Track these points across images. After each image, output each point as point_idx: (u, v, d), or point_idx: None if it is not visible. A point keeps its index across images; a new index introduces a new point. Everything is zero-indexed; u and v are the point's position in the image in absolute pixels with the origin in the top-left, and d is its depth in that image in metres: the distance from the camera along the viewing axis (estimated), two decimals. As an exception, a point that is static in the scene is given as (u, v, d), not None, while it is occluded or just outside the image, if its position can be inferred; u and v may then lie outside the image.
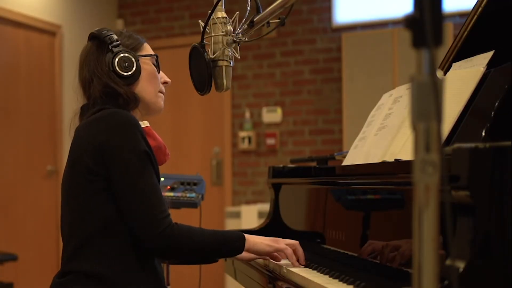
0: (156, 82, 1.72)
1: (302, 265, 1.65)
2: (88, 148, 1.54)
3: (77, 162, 1.57)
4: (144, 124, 1.68)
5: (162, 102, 1.75)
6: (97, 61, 1.65)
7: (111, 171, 1.52)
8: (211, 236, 1.59)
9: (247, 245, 1.63)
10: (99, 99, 1.62)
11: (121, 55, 1.64)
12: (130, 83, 1.65)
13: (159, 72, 1.74)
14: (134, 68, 1.64)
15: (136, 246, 1.55)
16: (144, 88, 1.68)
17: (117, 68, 1.63)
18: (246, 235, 1.64)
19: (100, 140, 1.53)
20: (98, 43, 1.67)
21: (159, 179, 1.58)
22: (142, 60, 1.68)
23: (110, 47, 1.64)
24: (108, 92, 1.62)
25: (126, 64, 1.64)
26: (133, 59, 1.65)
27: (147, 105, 1.70)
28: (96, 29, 1.70)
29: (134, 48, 1.69)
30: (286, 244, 1.67)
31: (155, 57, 1.73)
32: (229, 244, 1.62)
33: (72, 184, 1.60)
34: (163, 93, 1.76)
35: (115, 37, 1.66)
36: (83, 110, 1.67)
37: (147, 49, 1.73)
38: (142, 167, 1.52)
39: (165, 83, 1.77)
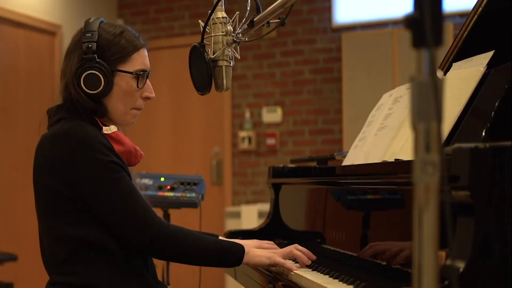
0: (129, 100, 1.62)
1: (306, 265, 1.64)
2: (47, 171, 1.52)
3: (39, 183, 1.55)
4: (110, 129, 1.60)
5: (134, 119, 1.65)
6: (71, 65, 1.58)
7: (86, 195, 1.49)
8: (208, 241, 1.58)
9: (246, 258, 1.60)
10: (64, 102, 1.60)
11: (89, 72, 1.55)
12: (96, 100, 1.58)
13: (142, 87, 1.63)
14: (100, 88, 1.56)
15: (122, 256, 1.53)
16: (113, 104, 1.60)
17: (82, 85, 1.55)
18: (247, 248, 1.61)
19: (62, 166, 1.50)
20: (80, 44, 1.59)
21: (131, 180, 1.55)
22: (120, 76, 1.60)
23: (83, 56, 1.56)
24: (72, 101, 1.58)
25: (92, 82, 1.55)
26: (102, 78, 1.55)
27: (113, 120, 1.63)
28: (91, 20, 1.61)
29: (119, 59, 1.59)
30: (284, 255, 1.64)
31: (136, 75, 1.61)
32: (227, 254, 1.59)
33: (37, 202, 1.58)
34: (138, 109, 1.65)
35: (92, 48, 1.55)
36: (48, 114, 1.64)
37: (135, 61, 1.61)
38: (115, 177, 1.49)
39: (146, 98, 1.66)
